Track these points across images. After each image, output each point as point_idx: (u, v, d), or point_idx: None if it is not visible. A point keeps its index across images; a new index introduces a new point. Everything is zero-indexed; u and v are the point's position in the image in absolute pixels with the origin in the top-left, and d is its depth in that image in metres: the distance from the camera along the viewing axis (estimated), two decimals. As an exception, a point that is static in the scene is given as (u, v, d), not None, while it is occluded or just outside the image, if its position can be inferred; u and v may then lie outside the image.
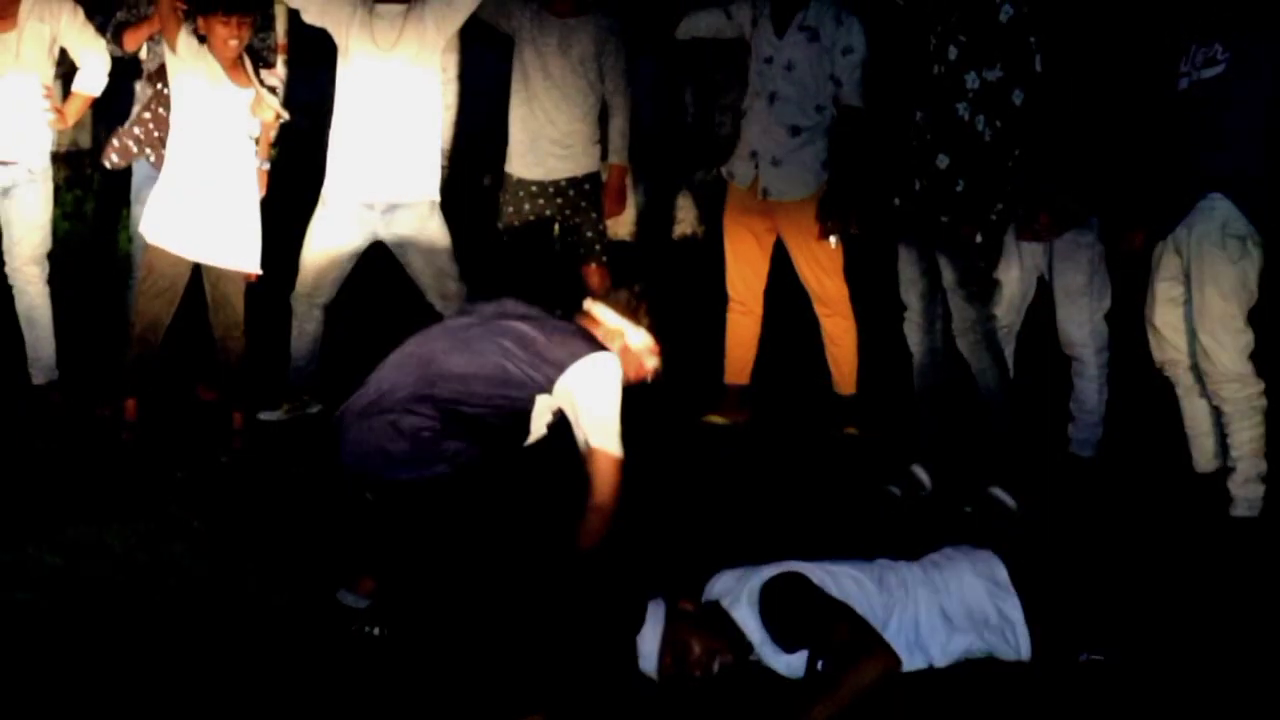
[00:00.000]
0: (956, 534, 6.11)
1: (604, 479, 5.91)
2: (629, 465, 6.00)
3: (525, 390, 5.89)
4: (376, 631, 5.83)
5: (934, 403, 7.69)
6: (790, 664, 5.45)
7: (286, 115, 8.21)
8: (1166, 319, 7.09)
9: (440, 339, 6.04)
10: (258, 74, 8.00)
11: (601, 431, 5.93)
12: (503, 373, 5.83)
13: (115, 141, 8.35)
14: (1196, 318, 6.93)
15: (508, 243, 8.96)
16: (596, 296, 6.55)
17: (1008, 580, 5.61)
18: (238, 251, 7.96)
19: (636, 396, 6.31)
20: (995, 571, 5.64)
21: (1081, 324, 7.62)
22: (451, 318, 6.33)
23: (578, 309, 6.33)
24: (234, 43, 7.80)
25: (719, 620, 5.49)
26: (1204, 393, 7.12)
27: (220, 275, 8.00)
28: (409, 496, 5.75)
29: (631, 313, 6.34)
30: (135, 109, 8.50)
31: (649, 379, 6.38)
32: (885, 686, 5.22)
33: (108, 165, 8.50)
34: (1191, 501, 7.24)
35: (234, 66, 7.88)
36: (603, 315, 6.25)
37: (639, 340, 6.24)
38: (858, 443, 8.33)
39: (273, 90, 8.21)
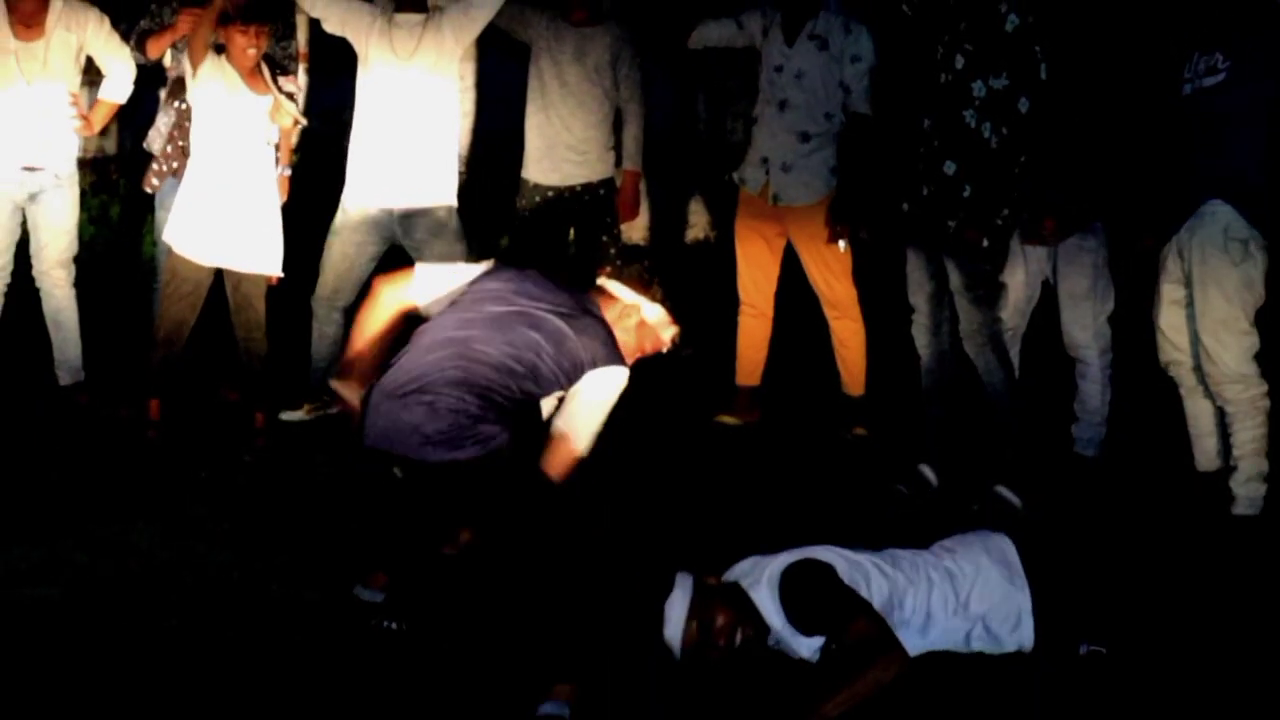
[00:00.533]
0: (963, 532, 6.13)
1: (557, 466, 5.98)
2: (586, 464, 6.01)
3: (550, 386, 5.95)
4: (394, 626, 5.88)
5: (941, 403, 7.74)
6: (811, 646, 5.51)
7: (304, 121, 8.24)
8: (1170, 321, 7.14)
9: (476, 327, 6.02)
10: (275, 81, 8.05)
11: (581, 429, 6.00)
12: (534, 369, 5.87)
13: (155, 166, 8.48)
14: (1199, 320, 6.98)
15: (524, 246, 8.98)
16: (609, 275, 6.55)
17: (1019, 563, 5.69)
18: (259, 256, 8.02)
19: (652, 398, 6.20)
20: (1007, 553, 5.72)
21: (1085, 326, 7.67)
22: (482, 296, 6.25)
23: (593, 286, 6.36)
24: (252, 51, 7.88)
25: (739, 598, 5.56)
26: (1207, 393, 7.17)
27: (242, 279, 8.05)
28: (443, 475, 5.79)
29: (645, 287, 6.37)
30: (162, 126, 8.61)
31: (664, 350, 6.43)
32: (895, 685, 5.27)
33: (149, 190, 8.60)
34: (1193, 500, 7.29)
35: (252, 74, 7.96)
36: (618, 291, 6.28)
37: (654, 314, 6.28)
38: (866, 442, 8.37)
39: (290, 96, 8.29)
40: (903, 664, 5.31)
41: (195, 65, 7.86)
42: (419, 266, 6.35)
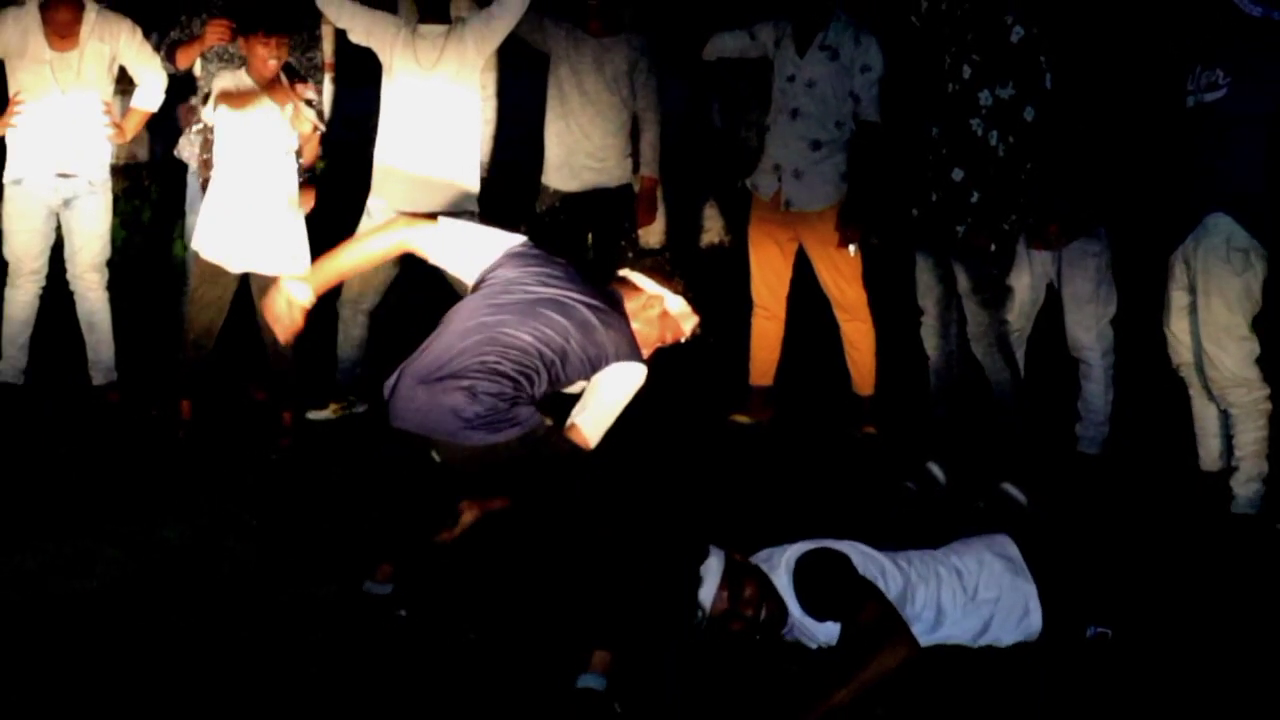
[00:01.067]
0: (970, 528, 6.21)
1: (575, 435, 6.07)
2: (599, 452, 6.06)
3: (576, 373, 5.99)
4: (403, 613, 5.95)
5: (949, 402, 7.79)
6: (827, 632, 5.58)
7: (323, 127, 8.30)
8: (1178, 326, 7.23)
9: (507, 312, 6.03)
10: (293, 88, 8.12)
11: (595, 421, 6.06)
12: (563, 353, 5.91)
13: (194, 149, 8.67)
14: (1202, 327, 7.05)
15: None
16: (632, 266, 6.64)
17: (1021, 559, 5.74)
18: (284, 259, 8.06)
19: (668, 398, 6.26)
20: (1009, 551, 5.77)
21: (1088, 328, 7.70)
22: (513, 281, 6.25)
23: (615, 278, 6.40)
24: (273, 62, 7.97)
25: (764, 578, 5.65)
26: (1213, 396, 7.24)
27: (268, 283, 7.92)
28: (482, 457, 5.83)
29: (668, 279, 6.41)
30: (193, 135, 8.73)
31: (684, 339, 6.45)
32: (905, 671, 5.34)
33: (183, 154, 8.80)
34: (1194, 497, 7.35)
35: (271, 84, 8.05)
36: (642, 283, 6.31)
37: (677, 305, 6.31)
38: (875, 441, 8.42)
39: (309, 103, 8.39)
40: (911, 649, 5.35)
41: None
42: (443, 220, 6.38)
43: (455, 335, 5.96)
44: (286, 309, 6.00)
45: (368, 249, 6.38)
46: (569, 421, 6.06)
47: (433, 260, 6.26)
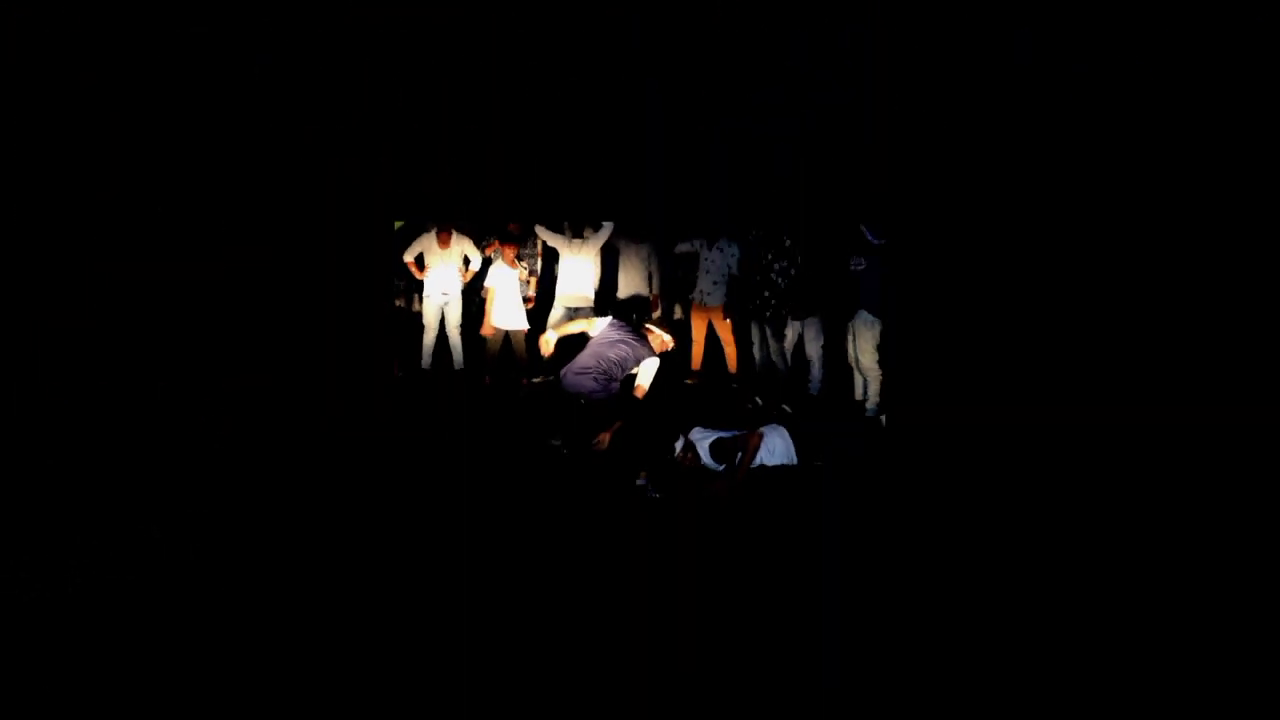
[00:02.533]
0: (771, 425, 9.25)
1: (638, 391, 9.93)
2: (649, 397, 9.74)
3: (633, 364, 10.14)
4: (561, 446, 9.59)
5: (773, 379, 12.10)
6: (720, 467, 9.23)
7: (532, 273, 13.13)
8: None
9: (603, 347, 10.02)
10: (520, 257, 12.56)
11: (645, 380, 10.15)
12: (625, 359, 10.05)
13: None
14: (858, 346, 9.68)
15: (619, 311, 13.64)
16: (654, 322, 11.04)
17: (789, 436, 9.39)
18: (517, 323, 13.66)
19: (659, 375, 9.96)
20: (784, 434, 9.48)
21: (814, 344, 12.07)
22: (604, 336, 9.93)
23: (643, 328, 10.70)
24: (510, 254, 12.51)
25: (695, 450, 9.37)
26: (862, 371, 10.41)
27: (511, 334, 13.69)
28: (601, 402, 9.92)
29: (662, 328, 10.79)
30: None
31: (668, 350, 10.47)
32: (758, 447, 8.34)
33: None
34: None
35: (512, 261, 13.11)
36: (653, 329, 10.81)
37: (666, 337, 10.72)
38: (744, 392, 13.00)
39: (529, 268, 13.41)
40: (758, 438, 8.98)
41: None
42: (595, 319, 10.31)
43: (586, 356, 10.11)
44: (546, 344, 9.79)
45: (572, 326, 10.36)
46: (636, 383, 9.86)
47: (591, 335, 9.98)
